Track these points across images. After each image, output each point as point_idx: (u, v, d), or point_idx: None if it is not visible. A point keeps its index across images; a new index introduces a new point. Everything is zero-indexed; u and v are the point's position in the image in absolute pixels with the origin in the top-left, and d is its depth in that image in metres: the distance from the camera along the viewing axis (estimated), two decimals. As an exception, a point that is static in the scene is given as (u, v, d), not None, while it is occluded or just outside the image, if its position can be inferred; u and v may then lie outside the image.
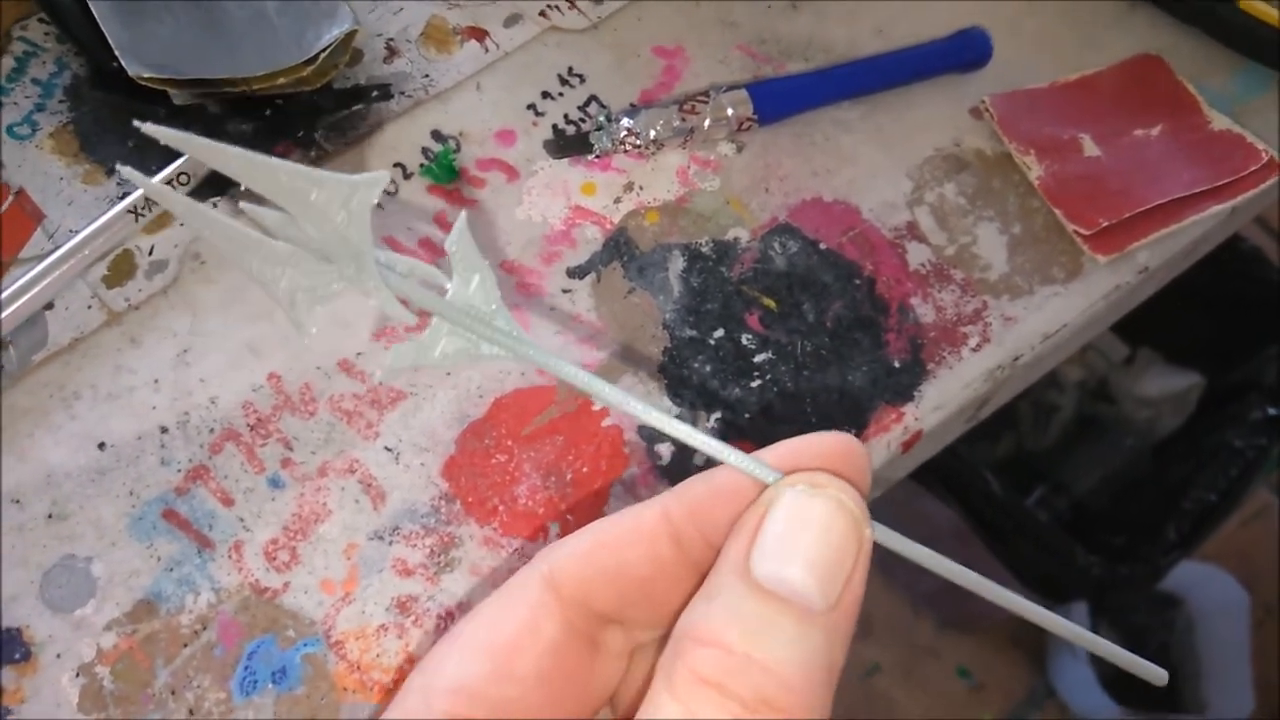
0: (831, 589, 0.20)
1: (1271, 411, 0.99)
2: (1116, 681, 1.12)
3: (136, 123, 0.21)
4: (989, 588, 0.23)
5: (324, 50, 0.40)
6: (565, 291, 0.41)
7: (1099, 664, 1.13)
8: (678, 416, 0.39)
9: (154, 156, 0.40)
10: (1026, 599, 0.23)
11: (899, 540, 0.22)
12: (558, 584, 0.24)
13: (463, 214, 0.22)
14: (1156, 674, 0.24)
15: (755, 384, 0.40)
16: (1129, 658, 0.24)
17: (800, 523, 0.21)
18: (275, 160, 0.21)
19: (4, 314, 0.37)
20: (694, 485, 0.24)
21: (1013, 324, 0.42)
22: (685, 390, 0.39)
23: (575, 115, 0.44)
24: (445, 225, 0.41)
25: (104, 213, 0.39)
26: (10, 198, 0.40)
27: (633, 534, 0.24)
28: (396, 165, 0.42)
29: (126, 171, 0.21)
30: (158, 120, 0.20)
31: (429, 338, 0.22)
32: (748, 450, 0.23)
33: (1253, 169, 0.45)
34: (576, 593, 0.24)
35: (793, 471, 0.22)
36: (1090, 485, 1.11)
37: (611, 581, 0.24)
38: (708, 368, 0.40)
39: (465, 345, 0.22)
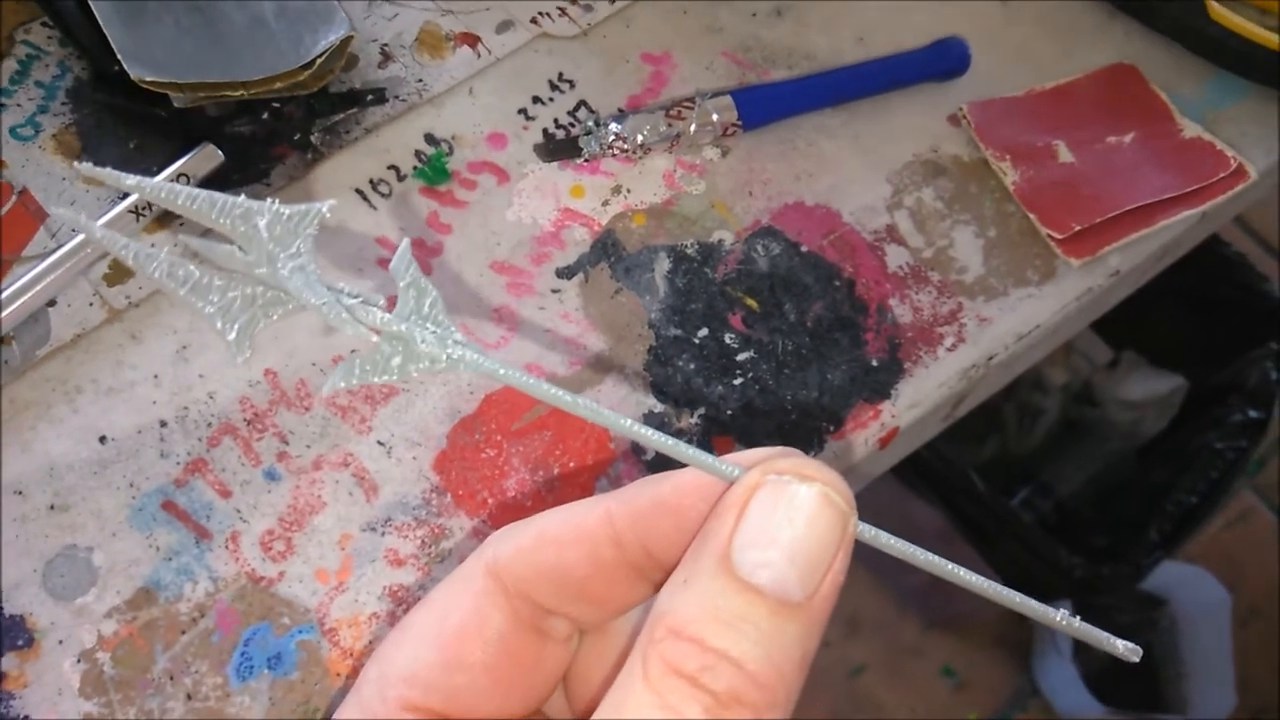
0: (811, 580, 0.21)
1: (1252, 414, 1.00)
2: (1100, 681, 1.13)
3: (76, 164, 0.20)
4: (960, 575, 0.23)
5: (320, 55, 0.42)
6: (554, 291, 0.42)
7: (1083, 663, 1.14)
8: (661, 414, 0.40)
9: (155, 157, 0.41)
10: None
11: (874, 533, 0.22)
12: (500, 575, 0.24)
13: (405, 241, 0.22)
14: (1128, 650, 0.24)
15: (737, 382, 0.41)
16: (1101, 635, 0.24)
17: (785, 512, 0.21)
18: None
19: (8, 310, 0.38)
20: (640, 493, 0.24)
21: (987, 324, 0.43)
22: (669, 387, 0.41)
23: (565, 120, 0.45)
24: (438, 226, 0.42)
25: (105, 212, 0.40)
26: (13, 197, 0.41)
27: (575, 534, 0.24)
28: (390, 167, 0.43)
29: (60, 214, 0.20)
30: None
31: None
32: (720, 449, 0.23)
33: (1221, 175, 0.46)
34: (518, 586, 0.24)
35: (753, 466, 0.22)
36: (1074, 487, 1.12)
37: (551, 579, 0.24)
38: (692, 366, 0.41)
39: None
